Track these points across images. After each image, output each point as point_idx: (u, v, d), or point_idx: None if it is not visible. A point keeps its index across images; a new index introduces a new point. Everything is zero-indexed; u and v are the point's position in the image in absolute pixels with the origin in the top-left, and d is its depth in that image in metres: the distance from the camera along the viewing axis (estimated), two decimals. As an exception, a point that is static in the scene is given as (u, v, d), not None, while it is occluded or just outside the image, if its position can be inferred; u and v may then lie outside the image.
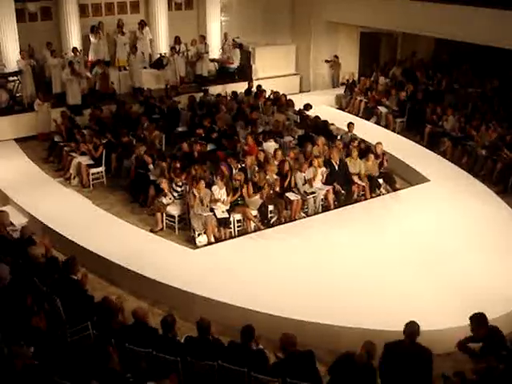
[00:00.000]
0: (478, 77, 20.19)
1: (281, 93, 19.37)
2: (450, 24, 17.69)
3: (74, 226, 11.98)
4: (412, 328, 7.47)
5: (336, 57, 22.98)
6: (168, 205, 12.82)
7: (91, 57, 20.16)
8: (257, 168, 13.48)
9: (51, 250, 9.85)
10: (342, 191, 13.77)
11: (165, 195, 12.86)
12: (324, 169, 13.68)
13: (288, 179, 13.38)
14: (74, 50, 18.94)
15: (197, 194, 12.30)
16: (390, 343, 7.52)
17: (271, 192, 13.03)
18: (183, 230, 12.78)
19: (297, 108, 18.49)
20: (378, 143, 14.94)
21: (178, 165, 13.35)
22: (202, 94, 19.36)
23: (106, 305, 8.13)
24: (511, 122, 16.86)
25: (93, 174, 14.91)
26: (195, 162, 13.67)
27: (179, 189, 12.92)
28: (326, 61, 22.94)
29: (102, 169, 15.03)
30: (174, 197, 12.88)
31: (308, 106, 18.05)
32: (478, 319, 7.63)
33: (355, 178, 13.99)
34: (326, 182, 13.66)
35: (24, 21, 19.29)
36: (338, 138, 16.02)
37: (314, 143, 14.99)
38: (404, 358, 7.39)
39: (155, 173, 13.83)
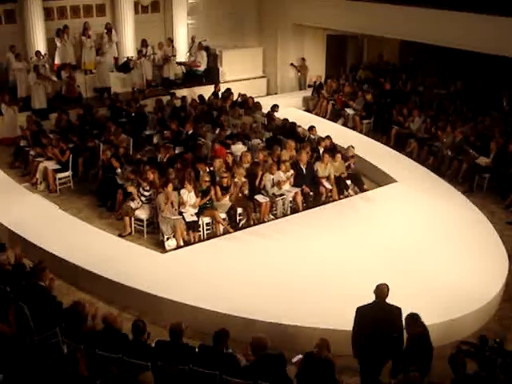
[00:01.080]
0: (443, 78, 20.44)
1: (248, 95, 19.40)
2: (414, 26, 17.90)
3: (41, 232, 11.83)
4: (381, 290, 7.95)
5: (303, 59, 23.10)
6: (136, 209, 12.74)
7: (57, 60, 20.00)
8: (224, 170, 13.45)
9: (22, 259, 9.75)
10: (311, 193, 13.83)
11: (133, 199, 12.79)
12: (292, 172, 13.72)
13: (258, 180, 13.39)
14: (37, 53, 18.78)
15: (166, 198, 12.25)
16: (362, 306, 7.96)
17: (240, 195, 13.04)
18: (152, 234, 12.73)
19: (265, 110, 18.54)
20: (349, 146, 15.05)
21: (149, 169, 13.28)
22: (169, 97, 19.29)
23: (76, 310, 8.04)
24: (476, 122, 17.11)
25: (59, 179, 14.77)
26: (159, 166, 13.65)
27: (147, 193, 12.84)
28: (292, 65, 23.01)
29: (68, 173, 14.89)
30: (142, 201, 12.82)
31: (275, 107, 18.09)
32: (412, 319, 7.73)
33: (324, 181, 14.04)
34: (294, 184, 13.71)
35: (-13, 24, 19.09)
36: (306, 139, 16.07)
37: (283, 146, 15.05)
38: (376, 317, 7.84)
39: (123, 177, 13.74)
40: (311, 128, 16.21)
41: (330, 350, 7.38)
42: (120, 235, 12.49)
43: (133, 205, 12.72)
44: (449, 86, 19.89)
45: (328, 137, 15.48)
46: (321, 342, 7.36)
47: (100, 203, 14.00)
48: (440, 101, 19.08)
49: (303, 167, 13.93)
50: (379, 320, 7.84)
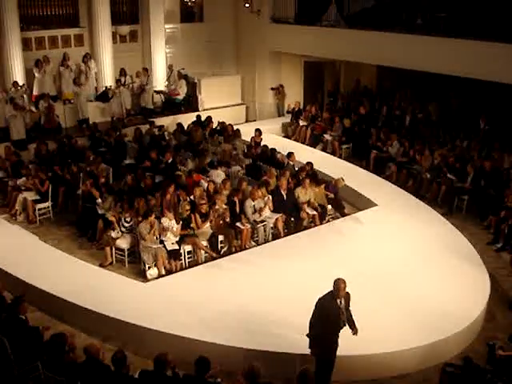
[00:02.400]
0: (420, 101, 20.67)
1: (227, 123, 19.48)
2: (389, 52, 18.14)
3: (20, 264, 11.71)
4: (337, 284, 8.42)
5: (281, 86, 23.28)
6: (117, 238, 12.67)
7: (36, 91, 19.95)
8: (202, 198, 13.44)
9: (3, 292, 9.65)
10: (292, 219, 13.85)
11: (113, 229, 12.72)
12: (269, 196, 13.75)
13: (239, 210, 13.39)
14: (15, 83, 18.75)
15: (149, 227, 12.22)
16: (322, 297, 8.48)
17: (221, 222, 13.03)
18: (133, 264, 12.65)
19: (244, 137, 18.62)
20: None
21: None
22: (147, 126, 19.28)
23: (57, 341, 7.94)
24: (453, 145, 17.30)
25: (39, 210, 14.68)
26: (142, 195, 13.59)
27: (127, 224, 12.82)
28: (272, 88, 23.18)
29: (48, 204, 14.80)
30: (123, 231, 12.76)
31: (257, 132, 18.26)
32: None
33: (305, 207, 14.07)
34: (275, 210, 13.72)
35: (-35, 55, 19.07)
36: (285, 166, 16.12)
37: (263, 173, 15.12)
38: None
39: (103, 206, 13.68)
40: (290, 154, 16.24)
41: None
42: (101, 265, 12.41)
43: (113, 234, 12.65)
44: (426, 109, 20.07)
45: (309, 163, 15.56)
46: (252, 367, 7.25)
47: (80, 233, 13.90)
48: (417, 124, 19.25)
49: (283, 193, 13.96)
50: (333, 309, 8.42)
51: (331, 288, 8.44)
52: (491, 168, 15.20)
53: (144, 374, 7.67)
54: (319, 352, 8.48)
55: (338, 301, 8.44)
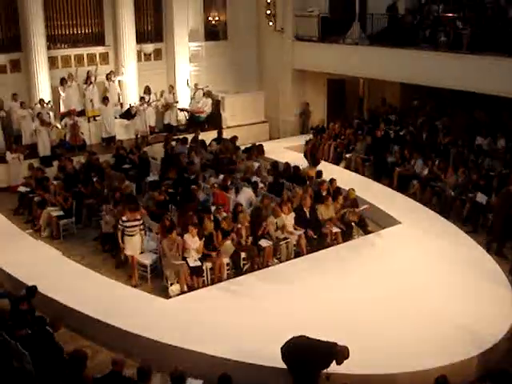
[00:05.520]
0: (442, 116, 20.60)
1: (251, 140, 19.51)
2: (413, 69, 18.14)
3: (44, 279, 11.72)
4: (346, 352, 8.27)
5: (307, 104, 23.32)
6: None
7: (62, 108, 20.17)
8: (225, 215, 13.46)
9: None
10: (314, 236, 13.79)
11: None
12: (293, 214, 13.73)
13: (262, 227, 13.36)
14: (41, 101, 19.04)
15: (171, 244, 12.23)
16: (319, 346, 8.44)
17: (243, 239, 13.02)
18: (156, 279, 12.65)
19: (267, 155, 18.66)
20: (350, 190, 15.03)
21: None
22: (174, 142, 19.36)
23: (76, 356, 7.98)
24: (477, 163, 17.13)
25: (63, 225, 14.78)
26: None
27: (127, 224, 12.51)
28: (301, 114, 23.26)
29: (72, 220, 14.91)
30: (126, 233, 12.59)
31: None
32: None
33: (329, 224, 14.00)
34: (298, 228, 13.68)
35: (-7, 73, 19.39)
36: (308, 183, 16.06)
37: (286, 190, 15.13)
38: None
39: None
40: (332, 180, 15.76)
41: None
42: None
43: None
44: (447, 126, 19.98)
45: (332, 180, 15.55)
46: None
47: (103, 249, 13.96)
48: (436, 141, 19.13)
49: (306, 211, 13.93)
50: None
51: (352, 305, 8.28)
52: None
53: None
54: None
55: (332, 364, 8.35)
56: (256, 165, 17.45)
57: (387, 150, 18.90)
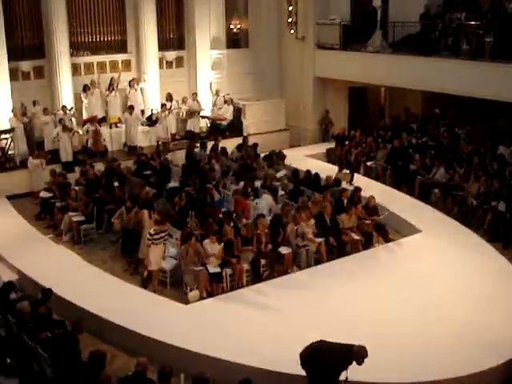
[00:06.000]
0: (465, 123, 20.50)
1: (271, 148, 19.49)
2: (436, 77, 18.06)
3: (64, 283, 11.86)
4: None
5: (327, 112, 23.30)
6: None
7: (85, 115, 20.33)
8: (244, 222, 13.46)
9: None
10: (334, 243, 13.74)
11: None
12: (312, 220, 13.70)
13: (282, 234, 13.33)
14: (64, 107, 19.21)
15: (192, 250, 12.26)
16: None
17: (263, 246, 13.00)
18: (175, 285, 12.67)
19: (287, 162, 18.64)
20: (370, 197, 15.07)
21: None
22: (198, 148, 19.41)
23: (95, 355, 8.09)
24: (499, 172, 16.98)
25: (84, 231, 14.88)
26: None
27: (156, 235, 12.40)
28: (321, 122, 23.30)
29: (93, 225, 15.00)
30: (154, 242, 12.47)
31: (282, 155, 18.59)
32: None
33: (350, 232, 13.96)
34: (318, 235, 13.65)
35: (17, 79, 19.63)
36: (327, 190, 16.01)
37: (307, 197, 15.11)
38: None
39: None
40: (357, 189, 15.66)
41: None
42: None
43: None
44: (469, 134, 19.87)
45: (357, 188, 15.56)
46: None
47: (123, 255, 14.00)
48: (464, 152, 18.98)
49: (327, 218, 13.89)
50: None
51: (372, 314, 8.24)
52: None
53: None
54: None
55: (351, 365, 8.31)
56: (283, 172, 17.46)
57: (409, 158, 18.79)
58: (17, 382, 7.88)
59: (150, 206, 13.65)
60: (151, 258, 12.36)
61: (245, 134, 21.59)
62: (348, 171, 18.14)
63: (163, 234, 12.52)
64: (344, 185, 16.90)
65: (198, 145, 19.57)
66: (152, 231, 12.35)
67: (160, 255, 12.54)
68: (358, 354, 8.22)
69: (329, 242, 13.66)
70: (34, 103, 19.30)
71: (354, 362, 8.23)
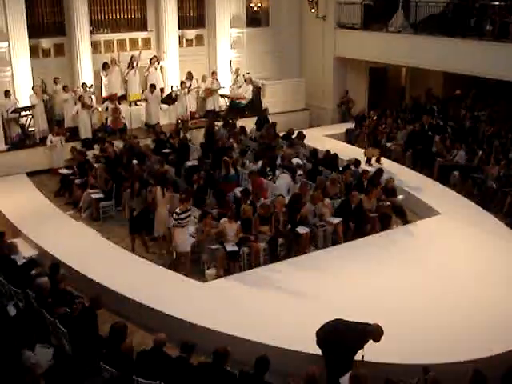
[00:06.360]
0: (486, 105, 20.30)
1: (291, 128, 19.41)
2: (458, 58, 17.89)
3: (83, 260, 11.99)
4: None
5: (346, 92, 23.17)
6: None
7: (104, 93, 20.37)
8: (263, 203, 13.46)
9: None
10: (352, 224, 13.71)
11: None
12: (328, 200, 13.69)
13: (300, 214, 13.32)
14: (84, 85, 19.26)
15: (205, 228, 12.30)
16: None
17: (280, 225, 13.01)
18: (193, 263, 12.71)
19: (307, 142, 18.58)
20: (389, 179, 15.03)
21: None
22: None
23: (116, 327, 8.26)
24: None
25: (103, 208, 14.97)
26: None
27: (182, 216, 12.15)
28: (338, 105, 23.18)
29: (111, 202, 15.09)
30: (179, 223, 12.21)
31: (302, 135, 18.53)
32: None
33: (368, 214, 13.94)
34: (336, 215, 13.63)
35: (37, 56, 19.68)
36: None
37: (325, 177, 15.09)
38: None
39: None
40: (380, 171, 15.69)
41: None
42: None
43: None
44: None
45: (380, 169, 15.60)
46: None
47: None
48: (485, 134, 18.81)
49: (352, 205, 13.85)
50: None
51: (388, 295, 8.23)
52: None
53: (203, 367, 7.89)
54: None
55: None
56: (296, 160, 17.40)
57: (429, 140, 18.63)
58: (52, 351, 8.04)
59: (163, 182, 13.52)
60: (178, 241, 12.16)
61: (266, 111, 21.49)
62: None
63: (189, 213, 12.30)
64: (373, 161, 17.22)
65: (218, 123, 19.56)
66: (178, 210, 12.10)
67: (186, 237, 12.32)
68: (373, 332, 8.26)
69: (350, 224, 13.61)
70: (55, 81, 19.34)
71: (371, 341, 8.25)
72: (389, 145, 19.59)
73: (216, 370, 7.68)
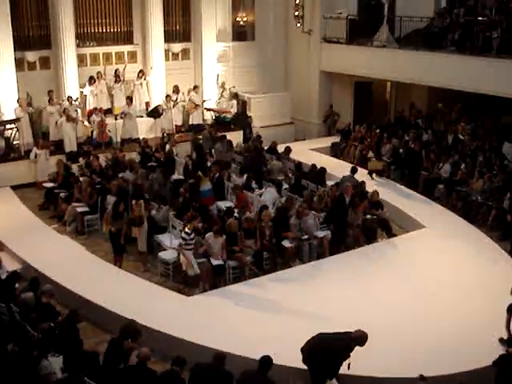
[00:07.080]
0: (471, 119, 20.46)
1: (276, 141, 19.43)
2: (442, 72, 18.04)
3: (68, 273, 11.91)
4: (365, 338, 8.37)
5: (330, 106, 23.27)
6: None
7: (89, 106, 20.31)
8: (248, 216, 13.44)
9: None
10: (338, 238, 13.72)
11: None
12: (313, 212, 13.69)
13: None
14: (69, 98, 19.18)
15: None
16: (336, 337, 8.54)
17: (266, 239, 13.00)
18: (178, 277, 12.64)
19: (293, 156, 18.62)
20: (373, 192, 15.09)
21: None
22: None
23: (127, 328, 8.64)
24: (504, 168, 16.93)
25: (87, 221, 14.90)
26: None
27: (187, 236, 11.85)
28: (324, 120, 23.31)
29: (96, 216, 15.01)
30: (182, 244, 12.00)
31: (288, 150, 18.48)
32: None
33: (353, 227, 13.96)
34: (321, 229, 13.66)
35: (23, 69, 19.65)
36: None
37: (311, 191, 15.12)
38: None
39: (158, 216, 13.91)
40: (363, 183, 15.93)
41: None
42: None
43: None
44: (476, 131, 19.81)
45: (362, 182, 15.72)
46: None
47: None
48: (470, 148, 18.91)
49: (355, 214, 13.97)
50: None
51: (373, 309, 8.26)
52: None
53: (200, 367, 8.06)
54: None
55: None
56: (289, 164, 17.50)
57: (414, 155, 18.67)
58: (61, 359, 8.20)
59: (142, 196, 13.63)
60: (191, 261, 11.84)
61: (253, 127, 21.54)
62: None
63: (194, 235, 11.98)
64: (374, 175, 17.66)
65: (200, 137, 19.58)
66: (188, 230, 11.82)
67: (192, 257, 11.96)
68: (357, 337, 8.33)
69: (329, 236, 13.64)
70: (50, 94, 19.18)
71: (358, 353, 8.27)
72: (373, 159, 19.63)
73: (216, 369, 7.89)
